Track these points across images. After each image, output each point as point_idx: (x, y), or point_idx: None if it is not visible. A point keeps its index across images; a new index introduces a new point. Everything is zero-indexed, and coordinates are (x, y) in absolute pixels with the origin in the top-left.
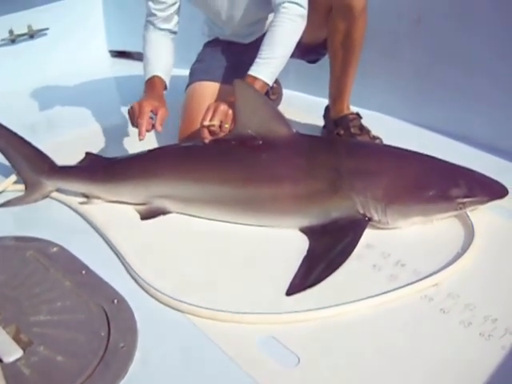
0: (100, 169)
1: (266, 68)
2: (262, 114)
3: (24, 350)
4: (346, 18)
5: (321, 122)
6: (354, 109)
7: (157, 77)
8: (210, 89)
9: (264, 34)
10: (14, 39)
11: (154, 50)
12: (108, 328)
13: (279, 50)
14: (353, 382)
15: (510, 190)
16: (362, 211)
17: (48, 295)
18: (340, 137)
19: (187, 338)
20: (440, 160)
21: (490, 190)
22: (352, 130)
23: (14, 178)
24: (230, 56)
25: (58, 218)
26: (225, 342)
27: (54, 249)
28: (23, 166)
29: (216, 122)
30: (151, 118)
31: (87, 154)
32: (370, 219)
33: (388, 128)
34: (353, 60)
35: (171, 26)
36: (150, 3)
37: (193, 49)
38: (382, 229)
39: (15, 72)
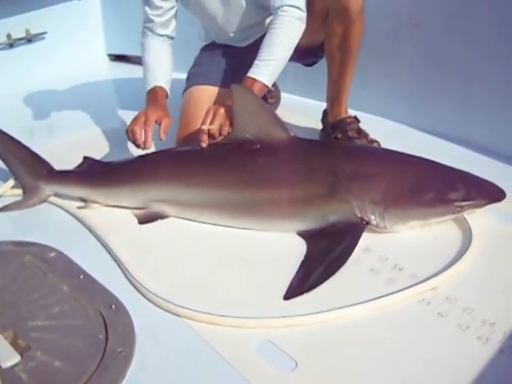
0: (98, 173)
1: (265, 70)
2: (259, 117)
3: (22, 355)
4: (343, 21)
5: (319, 126)
6: (352, 112)
7: (159, 87)
8: (207, 92)
9: (261, 38)
10: (11, 43)
11: (154, 58)
12: (106, 333)
13: (278, 52)
14: None
15: (507, 194)
16: (359, 215)
17: (46, 300)
18: (338, 140)
19: (185, 342)
20: (437, 163)
21: (488, 193)
22: (350, 133)
23: (11, 182)
24: (227, 60)
25: (56, 223)
26: (222, 346)
27: (52, 254)
28: (21, 170)
29: (216, 126)
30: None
31: (85, 158)
32: (367, 223)
33: (386, 131)
34: (350, 63)
35: (169, 31)
36: (147, 9)
37: (190, 53)
38: (380, 232)
39: (13, 76)
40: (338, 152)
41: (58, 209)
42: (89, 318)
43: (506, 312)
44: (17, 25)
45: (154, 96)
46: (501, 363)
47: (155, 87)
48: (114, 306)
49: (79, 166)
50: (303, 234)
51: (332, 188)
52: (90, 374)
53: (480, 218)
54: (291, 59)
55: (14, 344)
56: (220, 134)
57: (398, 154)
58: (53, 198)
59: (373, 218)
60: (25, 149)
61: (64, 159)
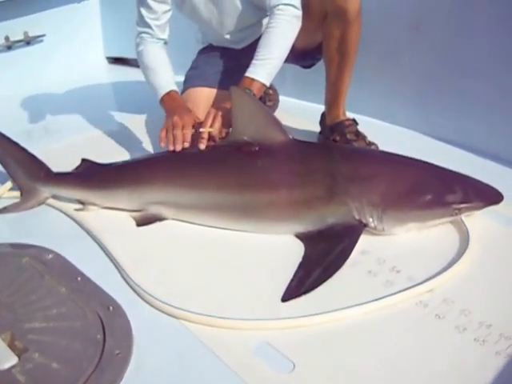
0: (96, 175)
1: (263, 69)
2: (258, 120)
3: (19, 357)
4: (340, 22)
5: (317, 128)
6: (350, 115)
7: (174, 91)
8: (204, 94)
9: (257, 39)
10: (10, 46)
11: (159, 63)
12: (103, 335)
13: (276, 51)
14: None
15: (505, 196)
16: (357, 217)
17: (43, 302)
18: (336, 143)
19: (182, 344)
20: (435, 166)
21: (486, 195)
22: (348, 136)
23: (9, 184)
24: (224, 62)
25: (54, 225)
26: (220, 347)
27: (50, 255)
28: (19, 172)
29: (216, 128)
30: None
31: (83, 160)
32: (365, 225)
33: (384, 134)
34: (348, 65)
35: (166, 35)
36: (144, 13)
37: (188, 56)
38: (378, 235)
39: (11, 78)
40: (336, 154)
41: (56, 211)
42: (86, 320)
43: (502, 314)
44: (15, 27)
45: (175, 100)
46: (498, 365)
47: (170, 91)
48: (111, 308)
49: (77, 168)
50: (301, 236)
51: (330, 190)
52: (88, 376)
53: (478, 220)
54: (289, 61)
55: (12, 346)
56: (220, 136)
57: (396, 157)
58: (51, 200)
59: (371, 220)
60: (23, 151)
61: (62, 161)
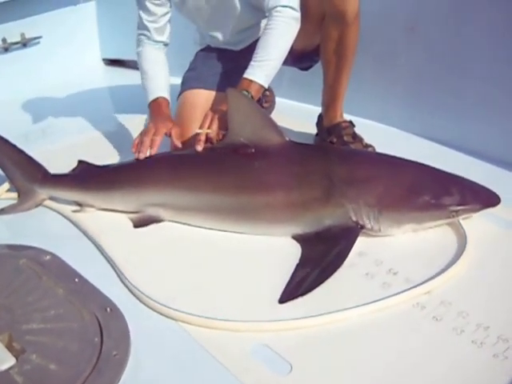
0: (93, 177)
1: (261, 71)
2: (254, 122)
3: (17, 358)
4: (338, 24)
5: (314, 130)
6: (347, 117)
7: (161, 98)
8: (201, 96)
9: (255, 41)
10: (7, 47)
11: (153, 67)
12: (101, 336)
13: (274, 53)
14: None
15: (502, 199)
16: (354, 219)
17: (41, 303)
18: (333, 145)
19: (180, 345)
20: (432, 168)
21: (483, 198)
22: (345, 138)
23: (6, 186)
24: (222, 63)
25: (51, 226)
26: (217, 349)
27: (47, 257)
28: (16, 174)
29: (213, 130)
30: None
31: (80, 162)
32: (362, 227)
33: (381, 136)
34: (346, 67)
35: (165, 37)
36: (143, 15)
37: (185, 57)
38: (375, 237)
39: (8, 80)
40: (333, 156)
41: (53, 212)
42: (84, 322)
43: (500, 316)
44: (12, 29)
45: (159, 107)
46: (495, 367)
47: (158, 98)
48: (109, 310)
49: (74, 170)
50: (298, 238)
51: (327, 192)
52: (85, 378)
53: (475, 222)
54: (287, 63)
55: (9, 347)
56: (217, 138)
57: (393, 159)
58: (48, 202)
59: (368, 221)
60: (20, 152)
61: (59, 163)
